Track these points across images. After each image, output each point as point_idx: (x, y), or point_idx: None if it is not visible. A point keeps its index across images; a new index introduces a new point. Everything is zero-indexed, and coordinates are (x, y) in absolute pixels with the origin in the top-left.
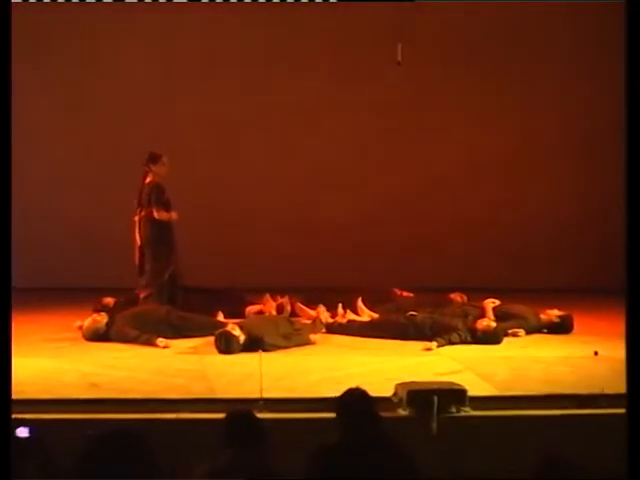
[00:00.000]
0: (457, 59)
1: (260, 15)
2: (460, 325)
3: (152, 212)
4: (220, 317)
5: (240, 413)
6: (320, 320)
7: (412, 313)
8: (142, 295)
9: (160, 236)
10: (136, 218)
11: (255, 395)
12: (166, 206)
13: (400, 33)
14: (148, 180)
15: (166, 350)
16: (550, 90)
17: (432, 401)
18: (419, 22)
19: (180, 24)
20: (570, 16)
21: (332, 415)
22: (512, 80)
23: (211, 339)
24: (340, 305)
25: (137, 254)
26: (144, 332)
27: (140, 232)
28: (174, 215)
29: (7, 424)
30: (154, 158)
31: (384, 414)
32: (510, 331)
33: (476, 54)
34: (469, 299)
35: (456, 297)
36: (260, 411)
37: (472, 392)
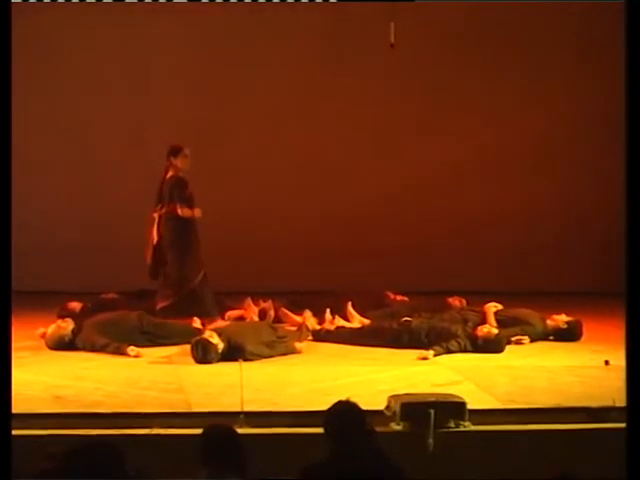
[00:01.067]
0: (458, 57)
1: (257, 14)
2: (459, 331)
3: (175, 209)
4: (197, 323)
5: (219, 428)
6: (306, 326)
7: (407, 319)
8: (160, 305)
9: (183, 235)
10: (155, 215)
11: (235, 408)
12: (189, 202)
13: (399, 30)
14: (170, 174)
15: (138, 359)
16: (552, 88)
17: (428, 415)
18: (419, 19)
19: (176, 25)
20: (572, 14)
21: (319, 430)
22: (513, 78)
23: (187, 347)
24: (328, 310)
25: (150, 254)
26: (114, 340)
27: (160, 230)
28: (197, 212)
29: (7, 425)
30: (175, 151)
31: (376, 429)
32: (513, 338)
33: (477, 52)
34: (469, 303)
35: (454, 301)
36: (241, 426)
37: (472, 405)
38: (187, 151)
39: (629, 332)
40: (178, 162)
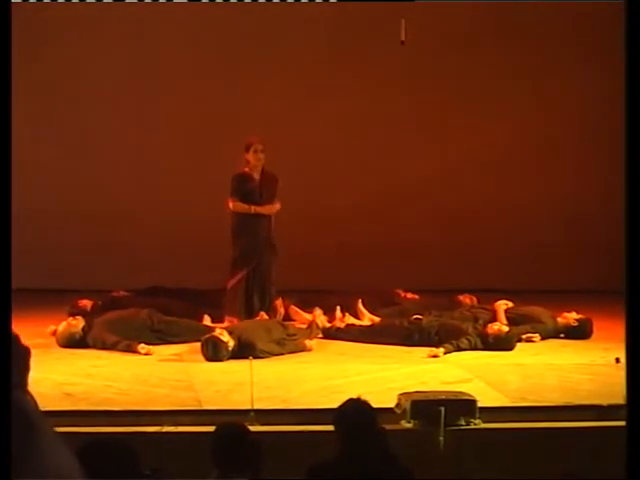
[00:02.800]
0: (459, 56)
1: (258, 11)
2: (469, 329)
3: (227, 203)
4: (207, 321)
5: (230, 426)
6: (316, 324)
7: (417, 317)
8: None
9: (240, 228)
10: None
11: (245, 406)
12: (248, 197)
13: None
14: (241, 169)
15: (148, 357)
16: (557, 88)
17: (439, 412)
18: (424, 19)
19: (176, 22)
20: (575, 15)
21: (330, 428)
22: (517, 78)
23: (197, 345)
24: (338, 308)
25: None
26: (124, 337)
27: None
28: (260, 209)
29: (7, 423)
30: (246, 146)
31: (387, 427)
32: (524, 336)
33: (479, 51)
34: (479, 301)
35: (465, 299)
36: (251, 423)
37: (482, 402)
38: (257, 147)
39: (629, 331)
40: (249, 157)
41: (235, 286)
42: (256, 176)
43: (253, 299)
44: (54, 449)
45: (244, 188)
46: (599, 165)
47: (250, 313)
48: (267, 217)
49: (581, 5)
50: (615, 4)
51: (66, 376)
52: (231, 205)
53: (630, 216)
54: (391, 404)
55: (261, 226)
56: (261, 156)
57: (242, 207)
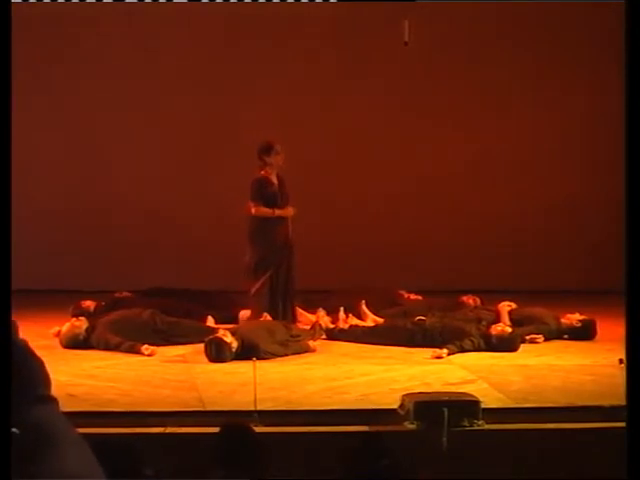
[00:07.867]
0: (462, 56)
1: (258, 12)
2: (473, 330)
3: (249, 208)
4: (210, 322)
5: (234, 427)
6: (320, 325)
7: (420, 318)
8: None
9: (261, 232)
10: None
11: (249, 407)
12: (269, 201)
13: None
14: (259, 174)
15: (151, 358)
16: (557, 88)
17: (442, 413)
18: (428, 19)
19: (182, 22)
20: (575, 14)
21: (333, 429)
22: (519, 77)
23: (201, 346)
24: (342, 309)
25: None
26: (127, 338)
27: None
28: (280, 212)
29: (7, 424)
30: (267, 149)
31: (389, 428)
32: (527, 337)
33: (482, 51)
34: (482, 302)
35: (468, 300)
36: (254, 424)
37: (486, 404)
38: (278, 147)
39: (629, 331)
40: (271, 160)
41: (259, 290)
42: (274, 179)
43: (278, 303)
44: (77, 455)
45: (266, 192)
46: (600, 165)
47: (276, 317)
48: (286, 220)
49: (583, 5)
50: (616, 4)
51: (69, 377)
52: (253, 210)
53: (630, 216)
54: (394, 405)
55: (282, 229)
56: (283, 157)
57: (265, 211)
